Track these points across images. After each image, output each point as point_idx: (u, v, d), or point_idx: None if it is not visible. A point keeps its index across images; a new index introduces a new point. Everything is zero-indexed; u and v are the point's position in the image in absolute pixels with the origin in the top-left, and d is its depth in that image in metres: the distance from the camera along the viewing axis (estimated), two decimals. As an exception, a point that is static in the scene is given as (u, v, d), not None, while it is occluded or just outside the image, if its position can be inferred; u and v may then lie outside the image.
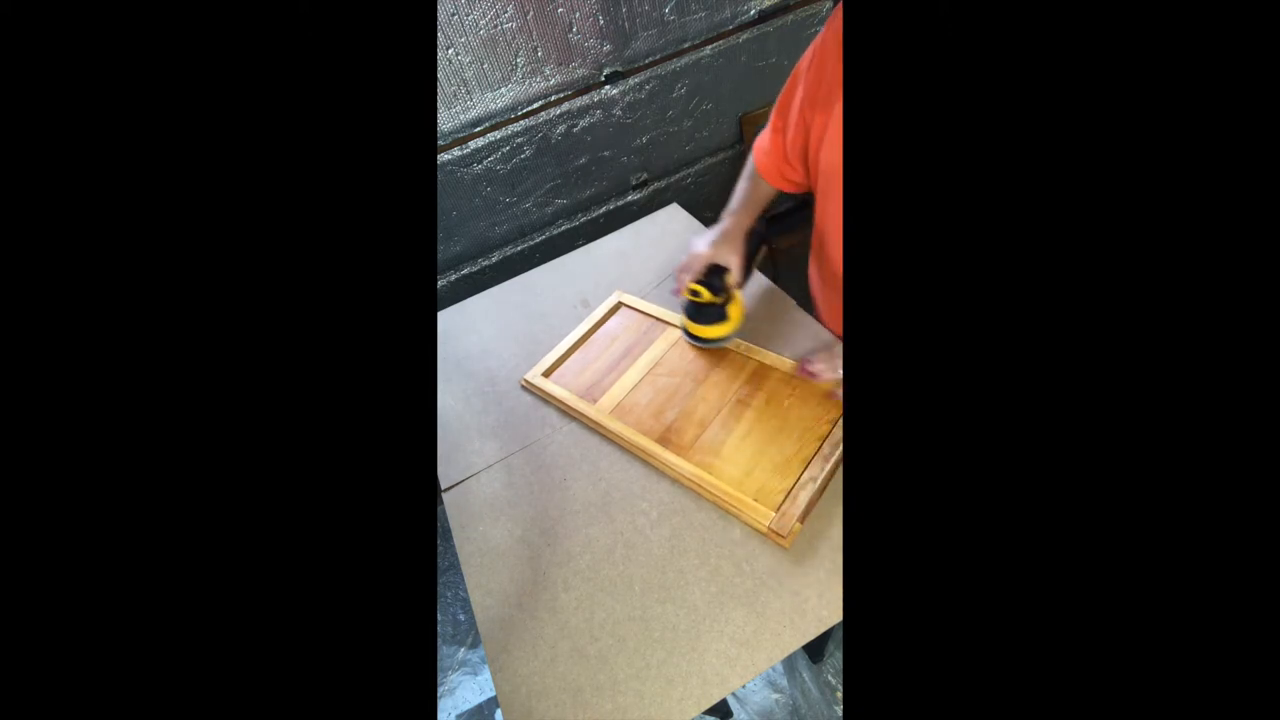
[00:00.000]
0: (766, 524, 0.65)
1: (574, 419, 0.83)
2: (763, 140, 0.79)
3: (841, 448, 0.68)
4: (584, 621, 0.63)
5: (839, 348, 0.75)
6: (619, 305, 0.96)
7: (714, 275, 0.78)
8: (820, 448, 0.70)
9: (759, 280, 0.95)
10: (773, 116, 0.77)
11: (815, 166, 0.71)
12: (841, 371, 0.73)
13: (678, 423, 0.78)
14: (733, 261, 0.79)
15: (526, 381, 0.89)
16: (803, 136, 0.72)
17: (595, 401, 0.83)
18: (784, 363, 0.80)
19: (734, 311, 0.81)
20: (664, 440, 0.76)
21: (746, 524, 0.67)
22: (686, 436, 0.76)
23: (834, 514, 0.66)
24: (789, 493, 0.67)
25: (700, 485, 0.70)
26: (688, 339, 0.86)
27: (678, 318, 0.87)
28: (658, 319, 0.92)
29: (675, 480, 0.73)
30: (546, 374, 0.89)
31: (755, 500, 0.67)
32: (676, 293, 0.81)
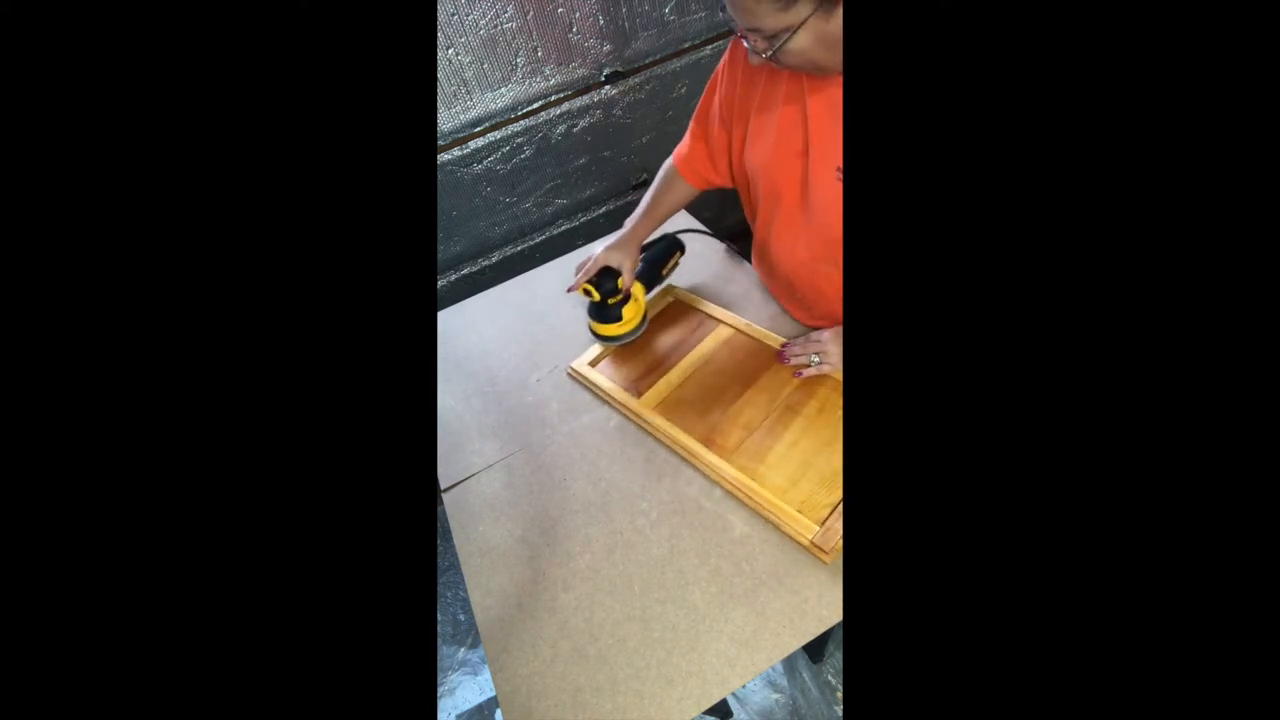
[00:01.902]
0: (810, 538, 0.63)
1: (615, 409, 0.82)
2: (681, 148, 0.87)
3: None
4: (584, 621, 0.63)
5: (816, 334, 0.79)
6: (671, 299, 0.94)
7: (604, 277, 0.84)
8: None
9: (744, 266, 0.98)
10: (692, 125, 0.85)
11: (742, 171, 0.79)
12: (816, 358, 0.77)
13: (723, 424, 0.76)
14: (625, 265, 0.84)
15: (573, 369, 0.88)
16: (725, 139, 0.80)
17: (639, 395, 0.82)
18: (776, 339, 0.83)
19: (629, 313, 0.87)
20: (707, 441, 0.74)
21: (788, 536, 0.65)
22: (731, 439, 0.74)
23: (834, 514, 0.66)
24: (835, 507, 0.65)
25: (741, 491, 0.68)
26: (592, 336, 0.91)
27: (730, 315, 0.89)
28: (709, 315, 0.90)
29: (716, 483, 0.71)
30: (593, 363, 0.88)
31: (799, 512, 0.65)
32: (569, 290, 0.87)
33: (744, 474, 0.70)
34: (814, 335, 0.79)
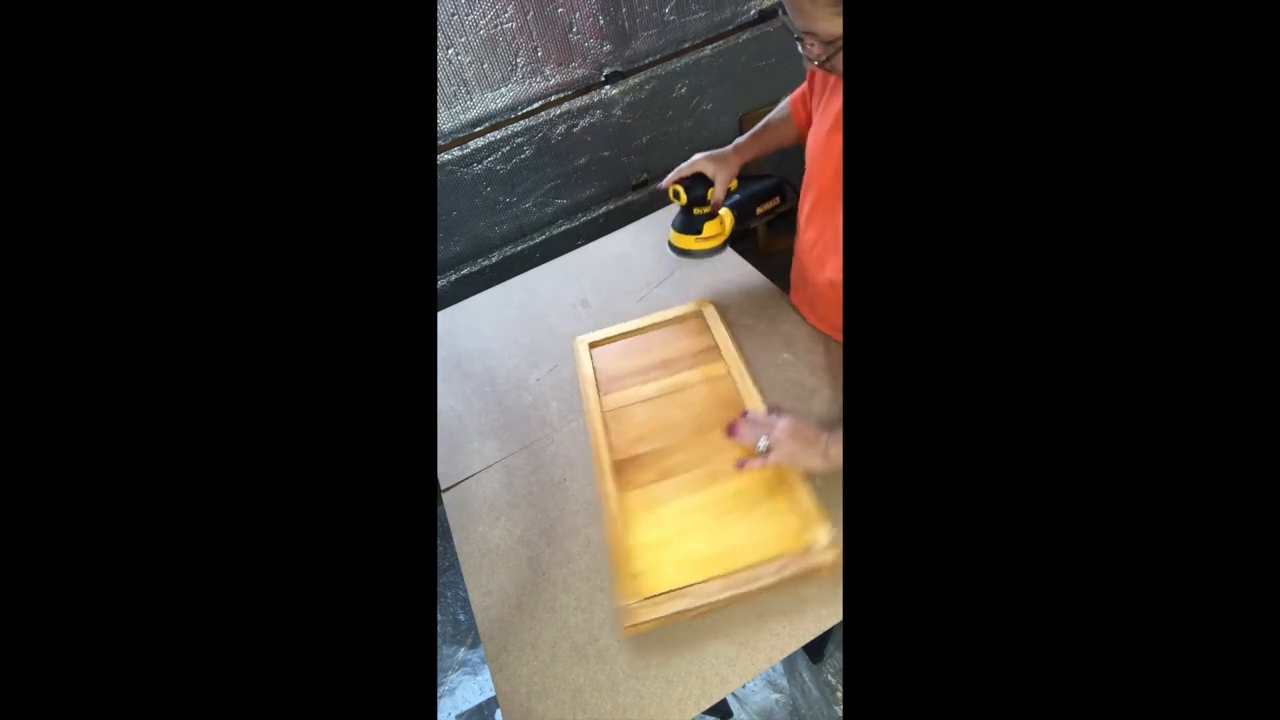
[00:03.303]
0: (621, 603, 0.60)
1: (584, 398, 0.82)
2: (801, 91, 0.82)
3: (760, 585, 0.59)
4: (584, 621, 0.63)
5: (771, 418, 0.71)
6: (700, 312, 0.88)
7: (696, 183, 0.80)
8: (740, 574, 0.60)
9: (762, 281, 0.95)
10: (808, 75, 0.79)
11: (808, 147, 0.75)
12: (764, 442, 0.68)
13: (647, 458, 0.73)
14: (720, 177, 0.81)
15: (576, 342, 0.88)
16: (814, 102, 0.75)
17: (604, 394, 0.81)
18: (757, 402, 0.75)
19: (711, 229, 0.83)
20: (620, 466, 0.72)
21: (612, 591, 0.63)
22: (643, 475, 0.71)
23: (834, 514, 0.66)
24: (667, 594, 0.60)
25: (610, 529, 0.66)
26: (671, 250, 0.87)
27: (735, 355, 0.81)
28: (717, 345, 0.83)
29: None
30: (594, 345, 0.88)
31: (632, 577, 0.62)
32: (660, 186, 0.83)
33: (619, 514, 0.67)
34: (769, 418, 0.71)
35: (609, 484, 0.70)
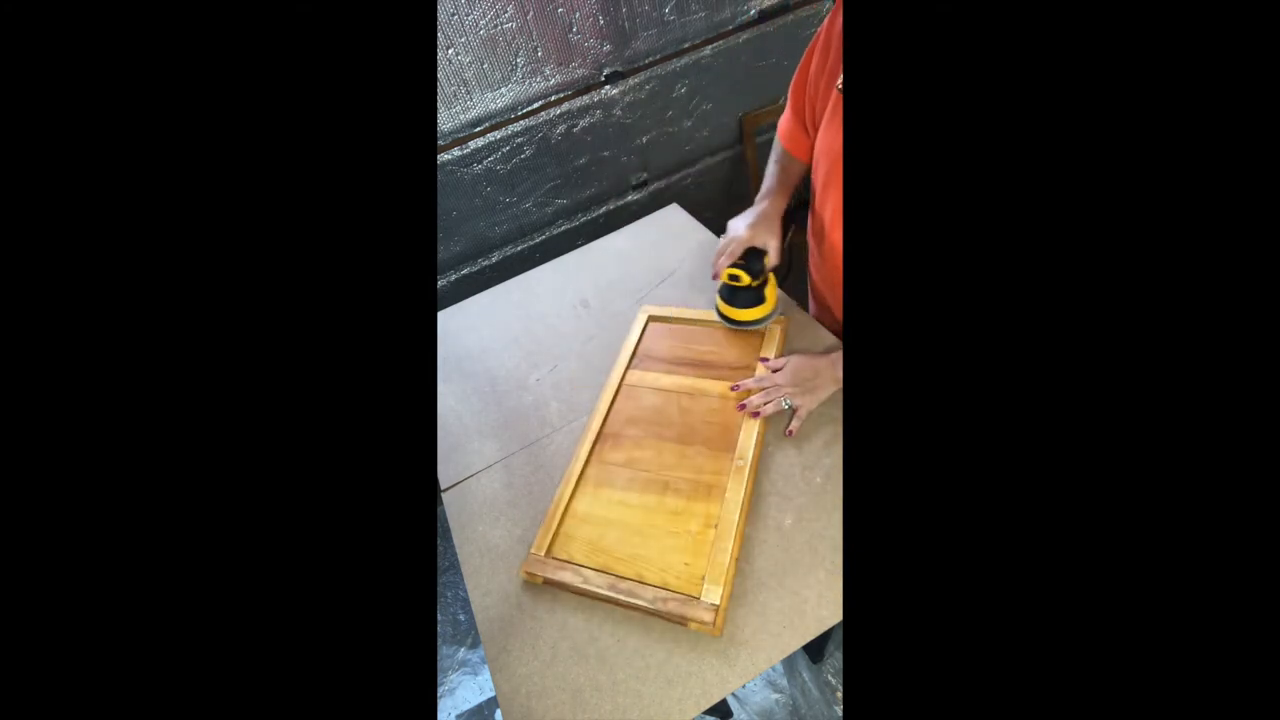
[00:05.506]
0: (532, 549, 0.67)
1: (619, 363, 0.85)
2: (785, 121, 0.81)
3: (633, 603, 0.62)
4: (584, 621, 0.63)
5: (764, 378, 0.75)
6: (778, 326, 0.83)
7: (753, 258, 0.78)
8: (625, 583, 0.62)
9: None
10: (790, 96, 0.79)
11: (815, 150, 0.73)
12: (769, 407, 0.72)
13: (625, 441, 0.75)
14: (771, 244, 0.78)
15: (643, 311, 0.90)
16: (813, 113, 0.74)
17: (633, 368, 0.83)
18: (750, 428, 0.72)
19: (770, 293, 0.81)
20: (603, 436, 0.76)
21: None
22: (613, 455, 0.74)
23: (833, 513, 0.66)
24: (564, 562, 0.66)
25: (564, 484, 0.72)
26: (724, 322, 0.83)
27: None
28: (751, 367, 0.80)
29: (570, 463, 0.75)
30: (654, 319, 0.89)
31: (549, 531, 0.68)
32: (715, 277, 0.80)
33: (575, 478, 0.72)
34: (767, 379, 0.74)
35: (585, 446, 0.75)
